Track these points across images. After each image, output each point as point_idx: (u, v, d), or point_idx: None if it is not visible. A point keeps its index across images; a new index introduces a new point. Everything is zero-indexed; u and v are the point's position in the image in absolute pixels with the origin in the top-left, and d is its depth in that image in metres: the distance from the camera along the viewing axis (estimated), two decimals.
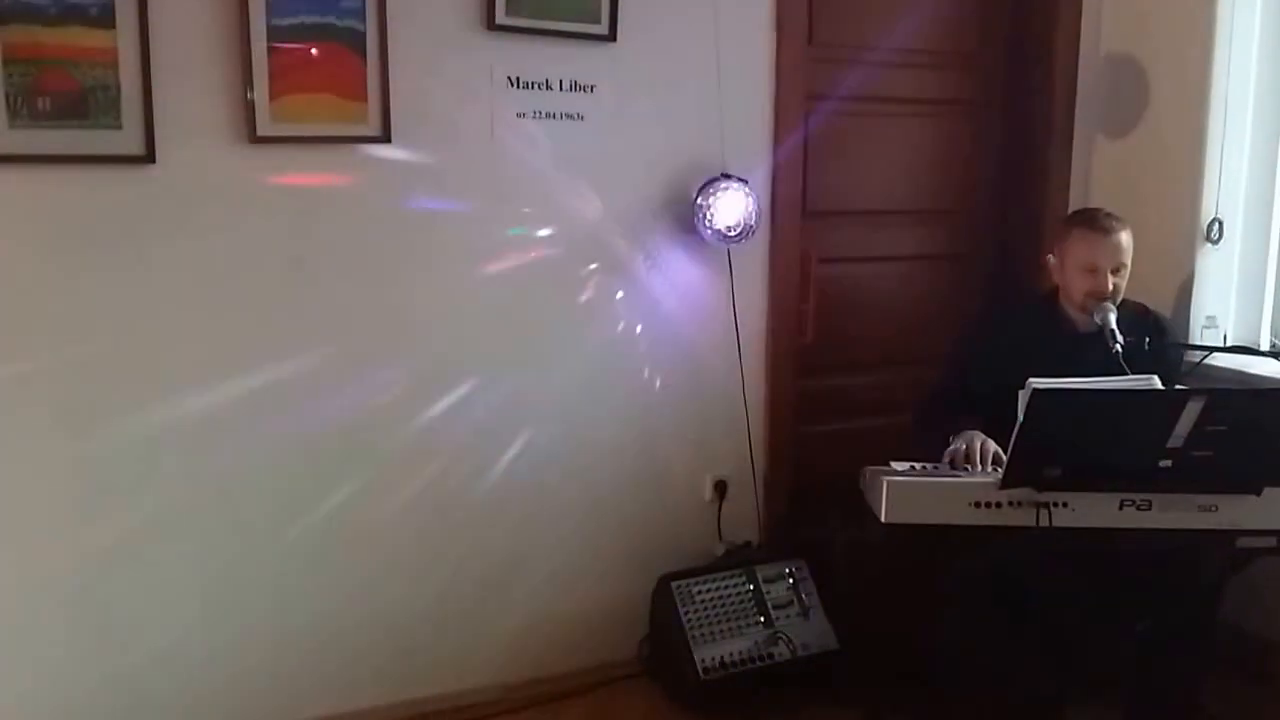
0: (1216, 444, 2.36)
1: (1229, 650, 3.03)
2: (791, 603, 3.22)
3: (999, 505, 2.48)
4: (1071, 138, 3.67)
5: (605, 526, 3.25)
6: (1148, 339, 2.96)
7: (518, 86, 2.91)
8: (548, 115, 2.96)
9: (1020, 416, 2.36)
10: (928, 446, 2.82)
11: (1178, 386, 2.74)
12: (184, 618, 2.80)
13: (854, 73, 3.49)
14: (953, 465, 2.70)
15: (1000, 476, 2.48)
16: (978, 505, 2.49)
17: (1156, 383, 2.52)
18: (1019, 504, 2.47)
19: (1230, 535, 2.48)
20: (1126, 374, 2.65)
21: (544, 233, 3.04)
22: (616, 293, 3.15)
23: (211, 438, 2.77)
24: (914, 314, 3.68)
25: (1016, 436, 2.39)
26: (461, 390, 3.00)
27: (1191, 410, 2.31)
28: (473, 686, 3.13)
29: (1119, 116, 3.59)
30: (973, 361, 3.02)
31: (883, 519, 2.51)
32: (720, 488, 3.38)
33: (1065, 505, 2.47)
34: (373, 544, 2.98)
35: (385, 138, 2.78)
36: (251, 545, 2.85)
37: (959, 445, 2.72)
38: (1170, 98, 3.44)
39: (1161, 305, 3.40)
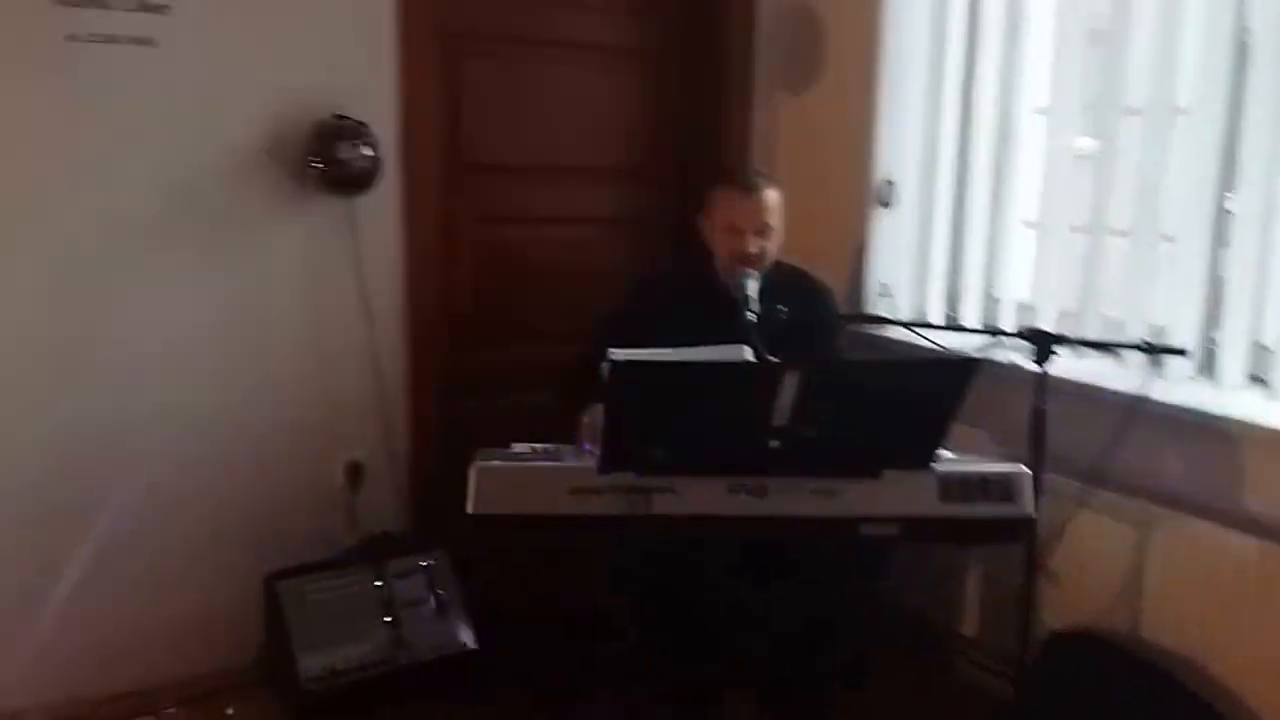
0: (824, 422, 2.13)
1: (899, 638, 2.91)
2: (425, 600, 2.88)
3: (599, 493, 2.19)
4: (751, 92, 3.43)
5: (211, 516, 2.84)
6: (806, 307, 2.76)
7: (65, 3, 2.43)
8: (108, 39, 2.49)
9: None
10: (567, 423, 2.53)
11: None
12: None
13: (512, 10, 3.16)
14: (585, 446, 2.41)
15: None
16: (577, 493, 2.19)
17: (747, 353, 2.27)
18: (621, 490, 2.19)
19: (851, 522, 2.27)
20: (755, 346, 2.41)
21: (112, 184, 2.58)
22: (213, 256, 2.72)
23: None
24: (587, 281, 3.35)
25: (604, 415, 2.11)
26: (24, 364, 2.55)
27: (790, 385, 2.06)
28: (63, 698, 2.68)
29: (800, 70, 3.38)
30: (613, 331, 2.74)
31: (469, 509, 2.19)
32: (354, 471, 3.01)
33: (672, 491, 2.20)
34: None
35: None
36: None
37: (586, 420, 2.43)
38: (845, 50, 3.25)
39: (836, 272, 3.22)
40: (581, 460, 2.26)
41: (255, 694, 2.86)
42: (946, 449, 2.39)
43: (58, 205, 2.53)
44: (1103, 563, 2.60)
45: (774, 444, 2.16)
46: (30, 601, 2.65)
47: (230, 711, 2.78)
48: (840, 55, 3.27)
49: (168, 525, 2.79)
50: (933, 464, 2.22)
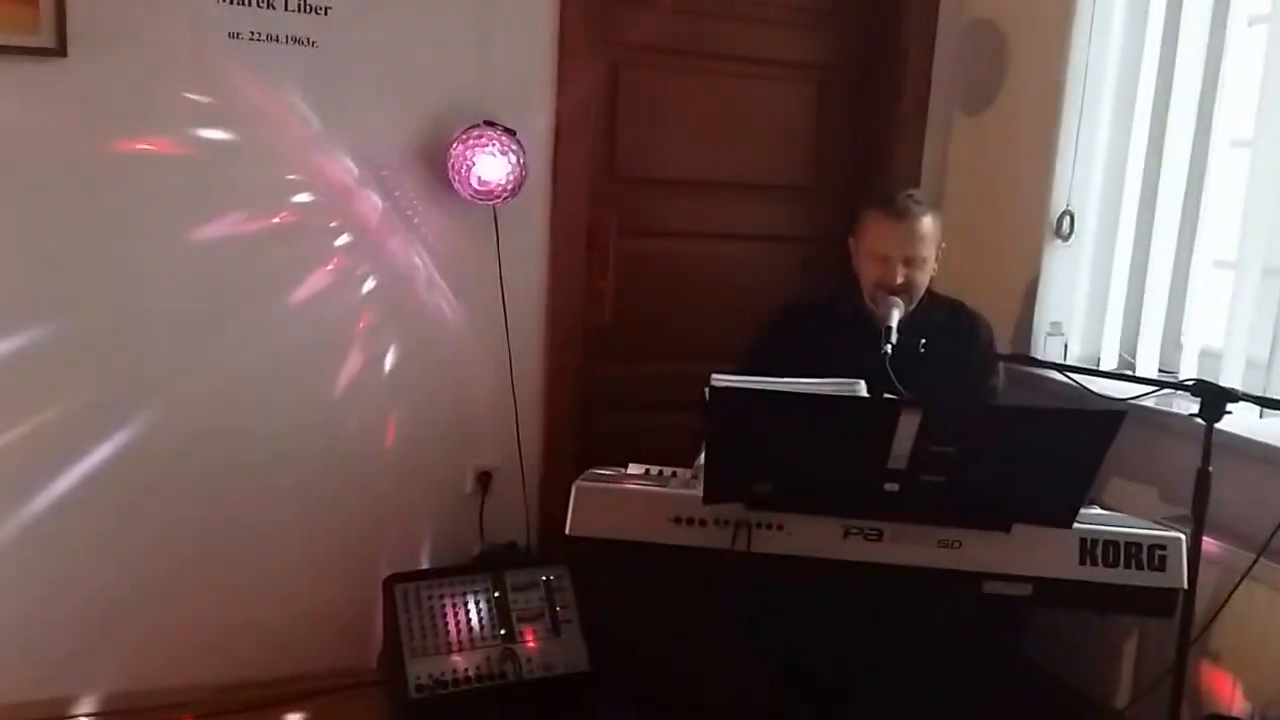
0: (948, 468, 1.95)
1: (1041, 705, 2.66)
2: (542, 615, 2.83)
3: (702, 523, 2.08)
4: (925, 111, 3.24)
5: (342, 514, 2.87)
6: (958, 343, 2.57)
7: (230, 1, 2.51)
8: (270, 38, 2.56)
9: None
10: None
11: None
12: None
13: (681, 21, 3.09)
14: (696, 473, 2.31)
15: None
16: (679, 521, 2.09)
17: (861, 388, 2.10)
18: (725, 523, 2.07)
19: (975, 578, 2.07)
20: (891, 381, 2.24)
21: (264, 182, 2.64)
22: (356, 256, 2.75)
23: None
24: (738, 300, 3.24)
25: (706, 442, 2.00)
26: (161, 362, 2.64)
27: (907, 426, 1.90)
28: (176, 685, 2.75)
29: (978, 90, 3.16)
30: (758, 356, 2.63)
31: (567, 530, 2.12)
32: (484, 480, 2.99)
33: (779, 528, 2.07)
34: (61, 523, 2.60)
35: (60, 50, 2.39)
36: None
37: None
38: (1028, 70, 3.01)
39: (1004, 308, 3.00)
40: (691, 488, 2.16)
41: (372, 695, 2.87)
42: (1098, 506, 2.17)
43: (212, 199, 2.62)
44: (1274, 643, 2.29)
45: (890, 487, 1.99)
46: (176, 591, 2.75)
47: None
48: (1022, 75, 3.04)
49: (303, 521, 2.84)
50: (1072, 522, 2.01)
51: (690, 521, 2.08)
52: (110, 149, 2.51)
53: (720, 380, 1.95)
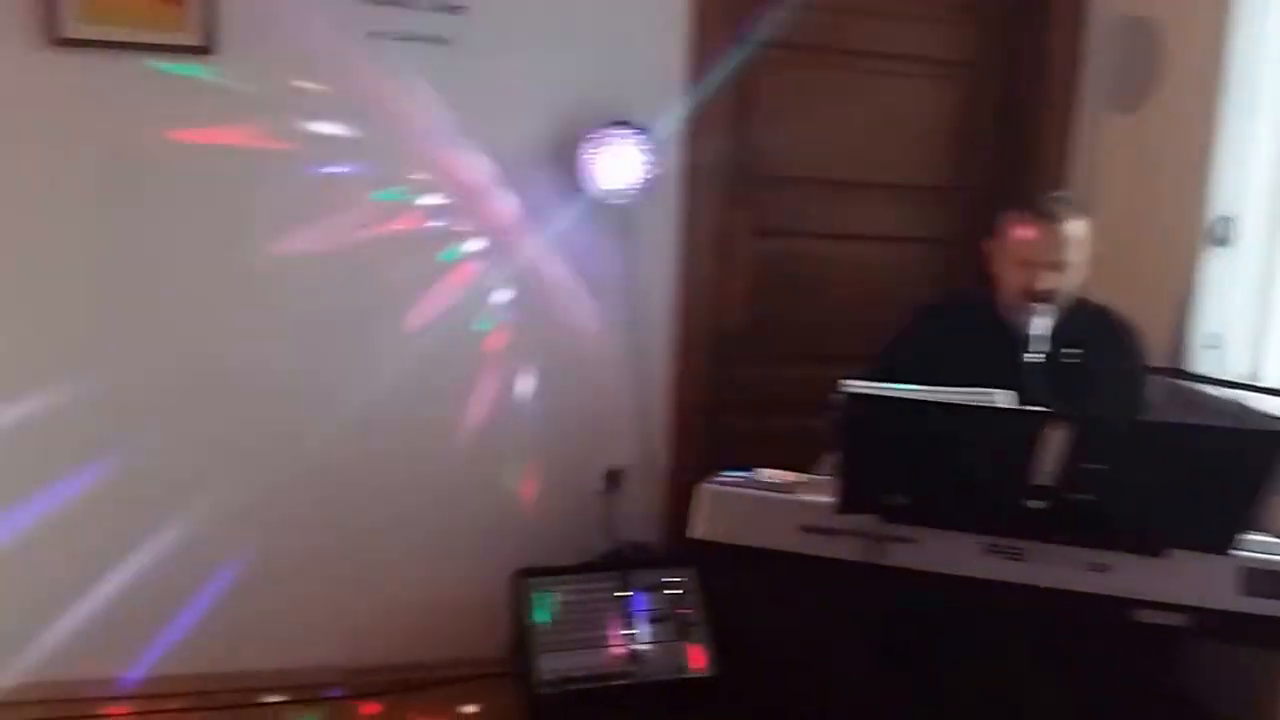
0: (1099, 487, 1.87)
1: None
2: (668, 617, 2.82)
3: (833, 534, 2.04)
4: (1074, 109, 3.11)
5: (475, 510, 2.92)
6: (1106, 352, 2.46)
7: (368, 1, 2.56)
8: (406, 37, 2.60)
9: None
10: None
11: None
12: None
13: (818, 17, 3.03)
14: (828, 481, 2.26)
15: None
16: (808, 530, 2.05)
17: (1004, 398, 2.01)
18: (858, 535, 2.02)
19: (1125, 604, 1.97)
20: (1035, 392, 2.16)
21: (400, 180, 2.70)
22: (488, 254, 2.78)
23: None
24: (875, 303, 3.16)
25: (841, 451, 1.95)
26: (308, 353, 2.73)
27: (1056, 439, 1.82)
28: (311, 666, 2.85)
29: (1131, 87, 3.02)
30: (892, 361, 2.56)
31: (694, 533, 2.10)
32: (613, 479, 3.00)
33: (914, 542, 2.01)
34: (213, 501, 2.71)
35: (206, 48, 2.48)
36: (107, 508, 2.64)
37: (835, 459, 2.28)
38: (1184, 67, 2.86)
39: (1157, 317, 2.85)
40: (821, 495, 2.11)
41: (499, 686, 2.91)
42: (1261, 532, 2.05)
43: (350, 197, 2.68)
44: None
45: (1035, 504, 1.92)
46: (315, 573, 2.84)
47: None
48: (1179, 71, 2.89)
49: (435, 512, 2.90)
50: (1230, 548, 1.90)
51: (820, 531, 2.04)
52: (250, 146, 2.58)
53: (852, 385, 1.90)
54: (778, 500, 2.09)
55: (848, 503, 1.99)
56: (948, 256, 3.26)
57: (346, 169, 2.65)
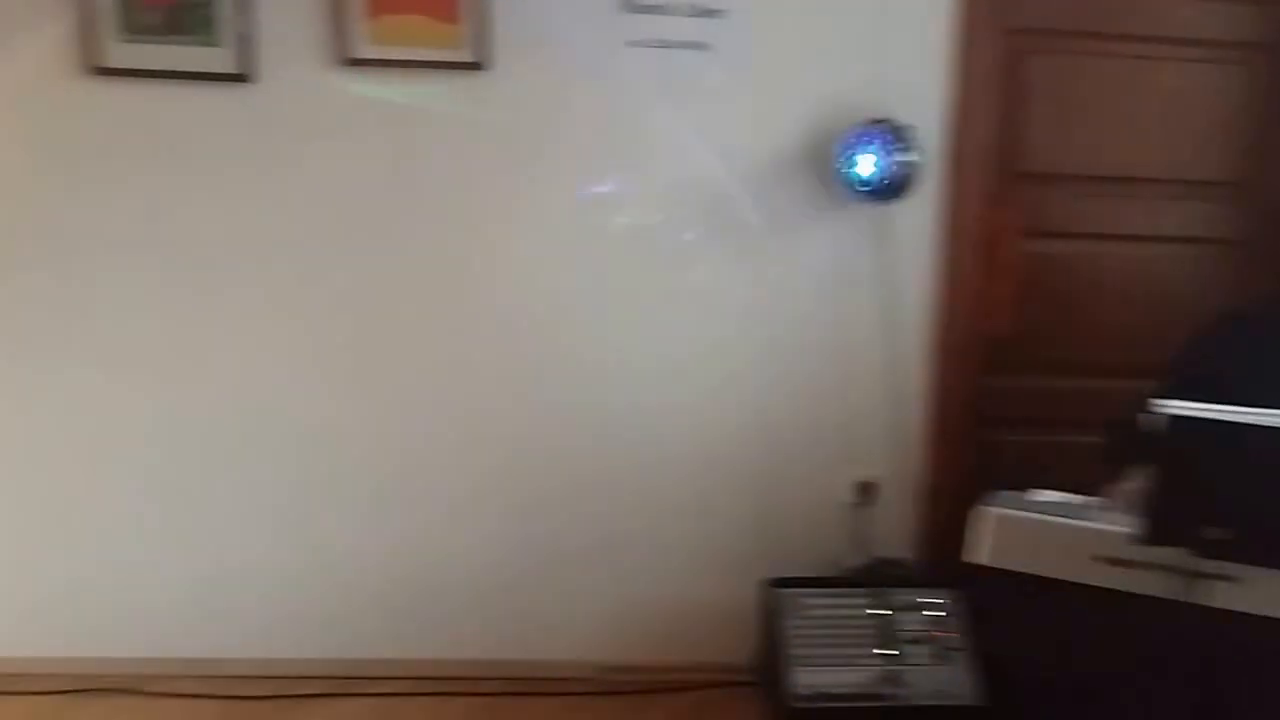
0: None
1: None
2: (929, 639, 2.68)
3: (1133, 566, 1.87)
4: None
5: (723, 516, 2.88)
6: None
7: (630, 9, 2.54)
8: (665, 44, 2.57)
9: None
10: (1110, 476, 2.21)
11: None
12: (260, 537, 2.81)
13: (1092, 2, 2.82)
14: (1122, 507, 2.09)
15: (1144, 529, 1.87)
16: (1105, 561, 1.89)
17: None
18: (1162, 568, 1.85)
19: None
20: None
21: (655, 184, 2.68)
22: (741, 256, 2.72)
23: (298, 370, 2.71)
24: (1157, 310, 2.94)
25: (1155, 479, 1.78)
26: (561, 360, 2.77)
27: None
28: (565, 660, 2.91)
29: None
30: (1190, 378, 2.33)
31: (975, 558, 1.97)
32: (865, 491, 2.88)
33: (1230, 580, 1.82)
34: (474, 500, 2.83)
35: (480, 64, 2.53)
36: (361, 491, 2.82)
37: (1124, 486, 2.10)
38: None
39: None
40: (1113, 522, 1.95)
41: (745, 695, 2.86)
42: None
43: (609, 202, 2.67)
44: None
45: None
46: (572, 573, 2.89)
47: None
48: None
49: (685, 518, 2.88)
50: None
51: (1120, 563, 1.88)
52: (516, 158, 2.63)
53: (1173, 407, 1.73)
54: (1070, 527, 1.95)
55: (1156, 534, 1.83)
56: (1237, 258, 2.97)
57: (608, 187, 2.66)
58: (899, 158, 2.57)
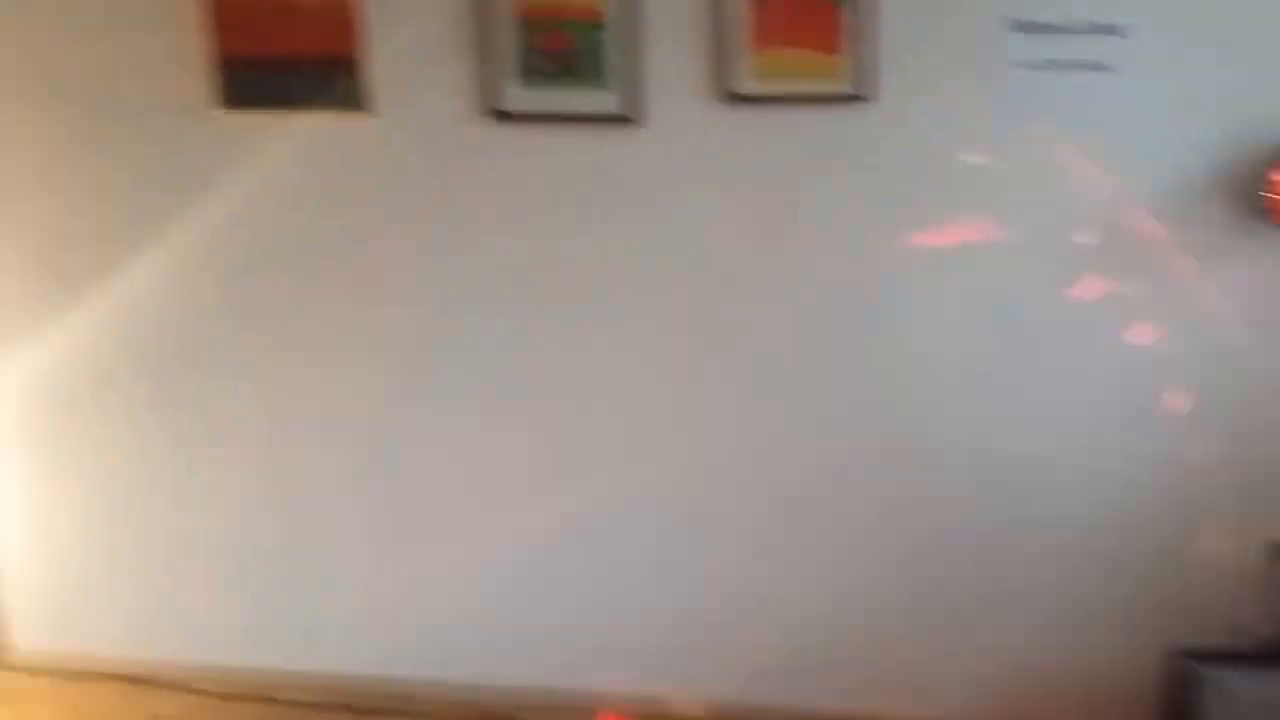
0: None
1: None
2: None
3: None
4: None
5: (1103, 576, 2.68)
6: None
7: (1020, 30, 2.41)
8: (1057, 65, 2.41)
9: None
10: None
11: None
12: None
13: None
14: None
15: None
16: None
17: None
18: None
19: None
20: None
21: (1048, 213, 2.53)
22: (1142, 293, 2.52)
23: (682, 414, 2.76)
24: None
25: None
26: (950, 401, 2.66)
27: None
28: (929, 715, 2.80)
29: None
30: None
31: None
32: (1277, 553, 2.60)
33: None
34: (852, 548, 2.78)
35: (864, 95, 2.47)
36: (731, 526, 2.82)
37: None
38: None
39: None
40: None
41: None
42: None
43: (992, 239, 2.57)
44: None
45: None
46: (946, 622, 2.79)
47: None
48: None
49: (1062, 578, 2.70)
50: None
51: None
52: (906, 188, 2.56)
53: None
54: None
55: None
56: None
57: (1001, 234, 2.55)
58: None
